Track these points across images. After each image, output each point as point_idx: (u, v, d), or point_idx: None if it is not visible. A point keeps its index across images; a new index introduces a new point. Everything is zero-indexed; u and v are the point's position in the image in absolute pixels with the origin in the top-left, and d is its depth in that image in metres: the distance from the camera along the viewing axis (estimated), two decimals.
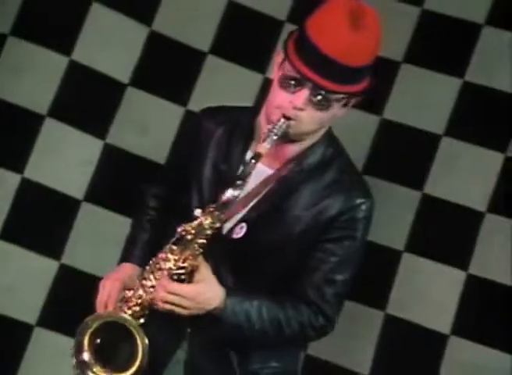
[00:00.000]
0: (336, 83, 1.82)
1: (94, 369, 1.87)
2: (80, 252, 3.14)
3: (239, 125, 1.96)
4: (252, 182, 1.92)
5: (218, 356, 1.97)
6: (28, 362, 3.07)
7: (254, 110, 1.98)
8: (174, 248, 1.86)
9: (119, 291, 1.99)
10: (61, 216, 3.16)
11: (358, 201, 1.91)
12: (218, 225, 1.85)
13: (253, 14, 3.27)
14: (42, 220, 3.15)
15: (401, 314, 3.08)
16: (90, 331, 1.89)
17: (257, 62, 3.23)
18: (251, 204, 1.93)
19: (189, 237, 1.85)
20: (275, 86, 1.88)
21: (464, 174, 3.13)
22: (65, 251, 3.13)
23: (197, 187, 1.97)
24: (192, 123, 2.07)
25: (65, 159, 3.19)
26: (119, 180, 3.19)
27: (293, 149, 1.93)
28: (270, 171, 1.94)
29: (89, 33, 3.23)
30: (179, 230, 1.85)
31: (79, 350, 1.87)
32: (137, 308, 1.92)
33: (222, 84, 3.23)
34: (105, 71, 3.23)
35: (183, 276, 1.86)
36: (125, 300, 1.94)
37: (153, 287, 1.89)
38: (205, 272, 1.87)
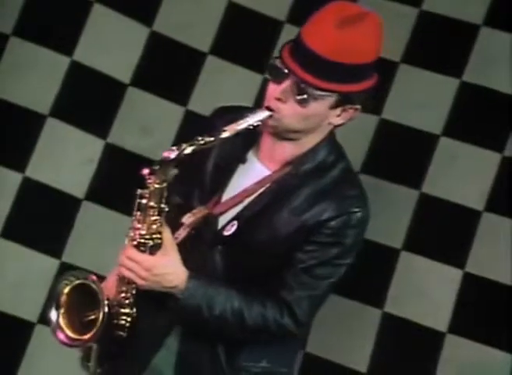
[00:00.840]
0: (318, 78, 1.80)
1: (62, 325, 1.93)
2: (80, 251, 3.14)
3: None
4: (248, 181, 1.93)
5: (207, 351, 1.96)
6: (29, 360, 3.08)
7: None
8: (138, 215, 1.87)
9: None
10: (62, 215, 3.16)
11: (351, 209, 1.88)
12: (163, 185, 1.83)
13: (253, 15, 3.27)
14: (43, 219, 3.15)
15: (399, 312, 3.08)
16: (70, 287, 1.93)
17: (257, 62, 3.23)
18: (245, 202, 1.93)
19: (144, 201, 1.85)
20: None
21: (461, 174, 3.13)
22: (66, 250, 3.14)
23: (199, 183, 1.96)
24: (205, 122, 2.07)
25: (66, 159, 3.19)
26: (120, 180, 3.19)
27: (292, 151, 1.91)
28: (268, 172, 1.93)
29: (90, 34, 3.23)
30: (137, 193, 1.86)
31: (57, 302, 1.93)
32: (122, 285, 1.93)
33: (222, 85, 3.23)
34: (106, 71, 3.23)
35: (147, 248, 1.87)
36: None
37: None
38: (169, 248, 1.87)
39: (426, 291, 3.08)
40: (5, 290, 3.12)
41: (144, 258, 1.86)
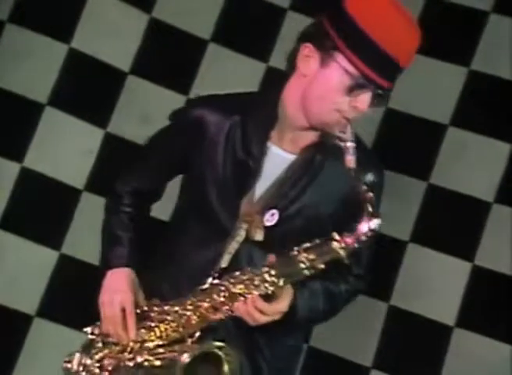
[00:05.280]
0: (389, 81, 1.85)
1: None
2: (80, 242, 3.11)
3: (253, 114, 1.94)
4: (276, 169, 1.93)
5: (246, 335, 1.97)
6: (27, 353, 3.05)
7: (271, 99, 1.94)
8: (272, 272, 1.84)
9: (133, 304, 1.95)
10: (61, 206, 3.14)
11: (378, 177, 1.93)
12: (344, 256, 1.82)
13: (255, 2, 3.24)
14: (42, 210, 3.13)
15: (405, 305, 3.07)
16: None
17: (259, 50, 3.21)
18: (280, 191, 1.93)
19: (302, 265, 1.82)
20: (325, 86, 1.85)
21: (470, 164, 3.12)
22: (66, 241, 3.11)
23: (214, 180, 1.94)
24: (189, 117, 2.00)
25: (65, 149, 3.16)
26: (120, 170, 3.15)
27: (316, 136, 1.94)
28: (292, 157, 1.94)
29: (88, 21, 3.20)
30: (295, 255, 1.82)
31: None
32: (190, 325, 1.90)
33: (223, 73, 3.21)
34: (105, 59, 3.20)
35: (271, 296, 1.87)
36: (162, 316, 1.92)
37: (224, 305, 1.88)
38: (287, 287, 1.89)
39: (434, 283, 3.07)
40: (4, 282, 3.10)
41: (274, 309, 1.87)
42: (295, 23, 3.24)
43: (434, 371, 3.02)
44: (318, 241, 1.82)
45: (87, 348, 2.00)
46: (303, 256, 1.82)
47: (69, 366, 1.98)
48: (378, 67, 1.81)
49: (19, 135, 3.15)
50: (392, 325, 3.06)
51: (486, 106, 3.13)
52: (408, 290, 3.06)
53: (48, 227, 3.12)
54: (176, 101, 3.20)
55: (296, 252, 1.82)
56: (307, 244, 1.82)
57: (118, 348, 1.97)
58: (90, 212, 3.13)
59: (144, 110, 3.21)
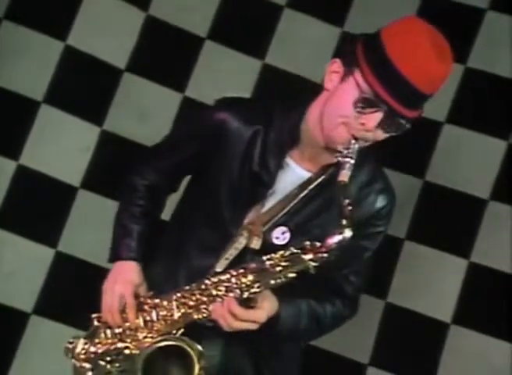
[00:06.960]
0: (407, 108, 1.79)
1: None
2: (76, 240, 3.11)
3: (276, 126, 1.91)
4: (289, 185, 1.91)
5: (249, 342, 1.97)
6: (24, 350, 3.04)
7: (296, 113, 1.91)
8: (250, 276, 1.82)
9: (133, 296, 1.96)
10: (57, 204, 3.13)
11: (388, 200, 1.95)
12: (316, 264, 1.78)
13: None
14: (38, 208, 3.12)
15: (402, 303, 3.06)
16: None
17: (256, 47, 3.20)
18: (290, 208, 1.91)
19: (277, 268, 1.80)
20: (339, 99, 1.82)
21: (466, 162, 3.11)
22: (62, 239, 3.11)
23: (228, 187, 1.92)
24: (213, 119, 1.95)
25: (61, 146, 3.15)
26: (116, 167, 3.14)
27: (332, 156, 1.90)
28: (308, 174, 1.92)
29: (85, 18, 3.19)
30: (264, 260, 1.80)
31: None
32: (173, 320, 1.90)
33: (220, 70, 3.20)
34: (102, 56, 3.19)
35: (249, 300, 1.85)
36: (152, 309, 1.92)
37: (203, 305, 1.87)
38: (267, 292, 1.86)
39: (430, 281, 3.06)
40: (0, 280, 3.09)
41: (257, 315, 1.84)
42: (291, 21, 3.23)
43: (430, 368, 3.01)
44: (292, 249, 1.79)
45: (92, 335, 2.02)
46: (276, 264, 1.79)
47: (70, 346, 2.01)
48: (394, 89, 1.76)
49: (16, 133, 3.13)
50: (389, 322, 3.05)
51: (482, 104, 3.12)
52: (405, 287, 3.05)
53: (45, 225, 3.11)
54: (173, 98, 3.19)
55: (271, 261, 1.80)
56: (281, 252, 1.79)
57: (117, 338, 1.98)
58: (87, 210, 3.13)
59: (141, 107, 3.20)
